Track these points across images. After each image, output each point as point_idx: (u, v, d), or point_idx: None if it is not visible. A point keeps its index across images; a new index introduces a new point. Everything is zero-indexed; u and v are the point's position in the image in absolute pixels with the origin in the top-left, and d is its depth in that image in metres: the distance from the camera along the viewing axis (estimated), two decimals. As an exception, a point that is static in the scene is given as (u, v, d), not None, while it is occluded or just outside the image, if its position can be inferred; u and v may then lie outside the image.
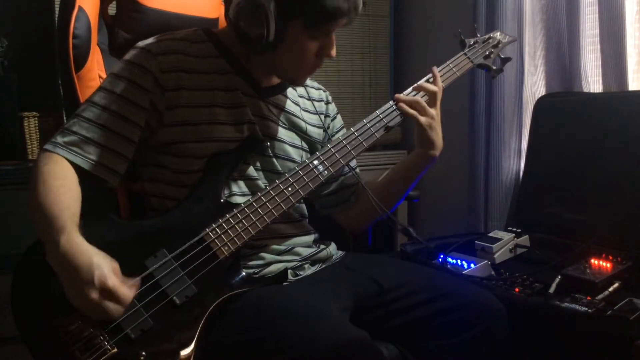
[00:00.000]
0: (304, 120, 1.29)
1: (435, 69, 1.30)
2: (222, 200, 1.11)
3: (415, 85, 1.29)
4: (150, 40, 1.16)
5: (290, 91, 1.29)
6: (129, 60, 1.13)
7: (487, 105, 2.09)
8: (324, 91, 1.40)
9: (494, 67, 1.45)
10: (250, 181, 1.18)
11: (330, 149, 1.19)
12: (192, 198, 1.11)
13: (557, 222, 1.78)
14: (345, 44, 2.59)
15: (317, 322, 0.98)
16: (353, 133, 1.22)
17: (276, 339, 0.96)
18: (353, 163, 1.34)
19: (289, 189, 1.13)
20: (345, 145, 1.20)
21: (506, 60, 1.47)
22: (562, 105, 1.89)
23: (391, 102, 1.27)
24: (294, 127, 1.26)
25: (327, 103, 1.39)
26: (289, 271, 1.16)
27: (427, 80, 1.29)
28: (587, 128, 1.79)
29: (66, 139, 1.07)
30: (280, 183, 1.13)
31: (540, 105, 1.96)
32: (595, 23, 1.80)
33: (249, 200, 1.11)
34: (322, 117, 1.36)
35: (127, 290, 0.95)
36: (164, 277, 1.01)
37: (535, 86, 2.07)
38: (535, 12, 2.04)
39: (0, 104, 1.97)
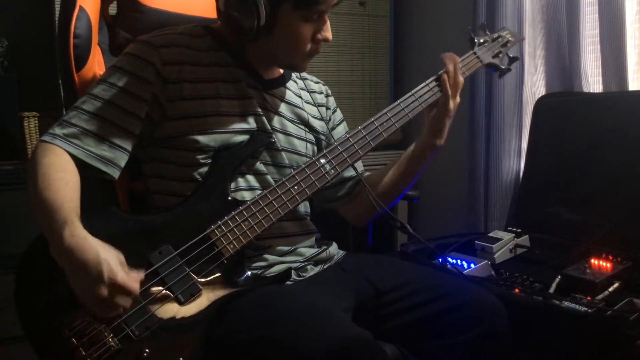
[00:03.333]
0: (307, 112, 1.29)
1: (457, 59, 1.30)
2: (229, 198, 1.11)
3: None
4: (150, 34, 1.16)
5: (291, 84, 1.29)
6: (130, 52, 1.13)
7: (487, 105, 2.09)
8: (323, 84, 1.41)
9: (502, 67, 1.44)
10: (257, 175, 1.18)
11: (337, 147, 1.18)
12: (198, 194, 1.10)
13: (557, 222, 1.78)
14: (345, 44, 2.59)
15: (320, 322, 0.98)
16: (360, 131, 1.21)
17: (279, 338, 0.96)
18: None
19: (296, 187, 1.12)
20: (352, 144, 1.19)
21: (514, 59, 1.46)
22: (562, 105, 1.89)
23: (398, 102, 1.25)
24: (298, 119, 1.27)
25: (327, 96, 1.40)
26: (292, 272, 1.16)
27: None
28: (587, 128, 1.79)
29: (65, 131, 1.06)
30: (287, 181, 1.12)
31: (540, 105, 1.96)
32: (595, 23, 1.80)
33: (255, 197, 1.10)
34: (324, 109, 1.36)
35: (135, 283, 0.95)
36: (169, 275, 1.01)
37: (535, 86, 2.07)
38: (535, 12, 2.04)
39: (0, 104, 1.97)
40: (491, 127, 2.08)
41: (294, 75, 1.31)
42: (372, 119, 1.22)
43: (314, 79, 1.40)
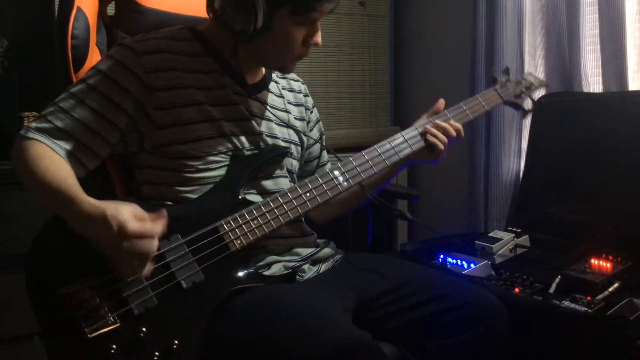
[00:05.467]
0: (289, 113, 1.30)
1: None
2: (239, 197, 1.13)
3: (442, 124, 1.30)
4: (135, 38, 1.16)
5: (273, 85, 1.29)
6: (113, 57, 1.12)
7: (487, 105, 2.09)
8: (302, 83, 1.41)
9: (525, 108, 1.48)
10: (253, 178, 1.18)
11: (351, 162, 1.20)
12: (211, 193, 1.13)
13: (557, 222, 1.78)
14: (345, 44, 2.59)
15: (320, 323, 0.98)
16: (375, 150, 1.23)
17: (278, 338, 0.97)
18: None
19: (307, 194, 1.14)
20: (367, 161, 1.21)
21: (537, 102, 1.53)
22: (562, 105, 1.89)
23: (418, 130, 1.28)
24: (282, 121, 1.27)
25: (306, 95, 1.40)
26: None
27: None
28: (587, 128, 1.79)
29: (40, 125, 1.08)
30: (299, 187, 1.14)
31: (540, 105, 1.96)
32: (595, 23, 1.81)
33: (266, 199, 1.12)
34: (303, 109, 1.37)
35: (150, 224, 0.96)
36: (174, 260, 1.03)
37: (535, 86, 2.07)
38: (535, 12, 2.04)
39: (0, 104, 1.97)
40: (491, 127, 2.08)
41: (274, 76, 1.32)
42: (388, 141, 1.25)
43: (294, 76, 1.40)
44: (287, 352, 0.94)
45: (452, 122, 1.30)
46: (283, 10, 1.08)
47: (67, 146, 1.08)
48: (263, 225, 1.10)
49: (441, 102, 1.33)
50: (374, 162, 1.22)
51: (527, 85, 1.49)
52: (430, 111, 1.33)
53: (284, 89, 1.33)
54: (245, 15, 1.07)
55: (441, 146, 1.27)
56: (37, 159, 1.04)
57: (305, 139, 1.33)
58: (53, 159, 1.05)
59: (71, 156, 1.08)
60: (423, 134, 1.28)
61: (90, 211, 0.96)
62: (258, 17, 1.07)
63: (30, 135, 1.07)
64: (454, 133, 1.29)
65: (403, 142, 1.26)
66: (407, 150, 1.26)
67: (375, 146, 1.24)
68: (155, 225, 0.97)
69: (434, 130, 1.28)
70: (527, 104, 1.50)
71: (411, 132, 1.28)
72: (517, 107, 1.48)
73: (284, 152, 1.22)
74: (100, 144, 1.10)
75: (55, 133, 1.07)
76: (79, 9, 1.20)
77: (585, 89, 1.86)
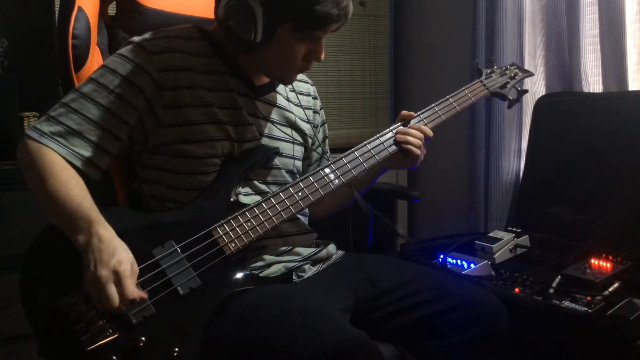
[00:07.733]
0: (295, 115, 1.30)
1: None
2: (232, 200, 1.13)
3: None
4: (145, 36, 1.15)
5: (281, 87, 1.30)
6: (125, 56, 1.12)
7: (487, 105, 2.09)
8: (312, 85, 1.41)
9: (510, 98, 1.48)
10: (248, 180, 1.18)
11: (342, 159, 1.20)
12: (203, 196, 1.13)
13: (557, 222, 1.78)
14: (345, 44, 2.59)
15: (317, 323, 0.98)
16: (365, 146, 1.23)
17: (276, 339, 0.97)
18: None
19: (299, 193, 1.14)
20: (357, 157, 1.22)
21: (523, 92, 1.51)
22: (562, 105, 1.90)
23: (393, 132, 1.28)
24: (287, 123, 1.27)
25: (315, 98, 1.40)
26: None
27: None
28: (587, 128, 1.79)
29: (52, 129, 1.07)
30: (291, 187, 1.14)
31: (540, 105, 1.96)
32: (595, 23, 1.81)
33: (258, 200, 1.12)
34: (311, 112, 1.37)
35: (134, 286, 0.96)
36: (169, 267, 1.03)
37: (535, 86, 2.07)
38: (535, 12, 2.05)
39: (0, 104, 1.97)
40: (491, 127, 2.09)
41: None
42: (377, 136, 1.25)
43: (304, 78, 1.40)
44: (285, 352, 0.94)
45: (423, 127, 1.28)
46: (286, 25, 1.08)
47: (83, 151, 1.07)
48: (257, 227, 1.10)
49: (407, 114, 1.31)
50: (364, 157, 1.22)
51: (512, 75, 1.48)
52: (397, 119, 1.31)
53: (292, 91, 1.32)
54: (246, 27, 1.08)
55: (416, 151, 1.25)
56: (55, 168, 1.03)
57: (310, 141, 1.33)
58: (72, 172, 1.05)
59: (87, 162, 1.07)
60: (396, 141, 1.26)
61: (107, 247, 0.96)
62: (258, 30, 1.07)
63: (44, 141, 1.06)
64: (421, 136, 1.27)
65: (392, 135, 1.26)
66: (395, 146, 1.25)
67: (366, 142, 1.24)
68: (135, 290, 0.96)
69: (408, 130, 1.26)
70: (513, 94, 1.49)
71: (397, 125, 1.28)
72: (503, 97, 1.47)
73: (275, 152, 1.21)
74: (112, 142, 1.10)
75: (68, 136, 1.07)
76: (80, 8, 1.20)
77: (585, 89, 1.87)
